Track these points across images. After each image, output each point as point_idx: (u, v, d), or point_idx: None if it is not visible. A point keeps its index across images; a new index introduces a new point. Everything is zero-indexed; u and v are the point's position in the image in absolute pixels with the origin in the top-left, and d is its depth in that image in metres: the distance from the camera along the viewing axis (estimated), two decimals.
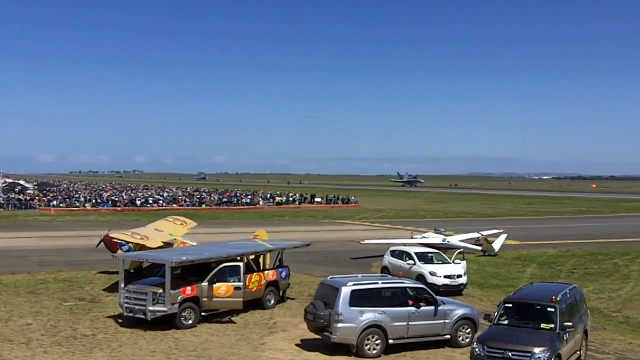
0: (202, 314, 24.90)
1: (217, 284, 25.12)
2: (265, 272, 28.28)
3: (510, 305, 19.59)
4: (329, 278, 23.00)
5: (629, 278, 37.12)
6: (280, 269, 29.12)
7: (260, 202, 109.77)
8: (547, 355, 17.31)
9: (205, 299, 24.92)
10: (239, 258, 26.67)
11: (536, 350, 17.39)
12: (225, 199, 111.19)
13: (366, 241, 45.35)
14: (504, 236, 48.92)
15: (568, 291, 20.35)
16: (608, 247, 51.33)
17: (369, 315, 20.77)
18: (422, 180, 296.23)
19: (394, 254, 35.42)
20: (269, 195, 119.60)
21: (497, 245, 46.56)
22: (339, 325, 20.48)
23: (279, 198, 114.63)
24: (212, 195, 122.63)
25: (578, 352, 19.94)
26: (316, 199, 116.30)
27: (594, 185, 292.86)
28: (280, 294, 29.10)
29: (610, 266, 41.62)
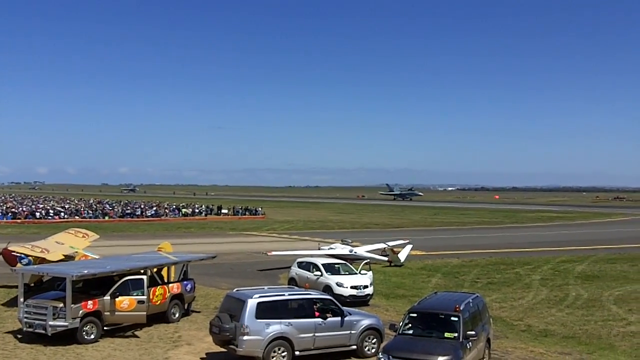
0: (105, 328, 24.30)
1: (120, 298, 24.58)
2: (170, 285, 27.78)
3: (415, 315, 19.82)
4: (235, 290, 22.76)
5: (530, 287, 38.28)
6: (185, 282, 28.62)
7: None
8: None
9: (108, 313, 24.31)
10: (142, 271, 26.16)
11: (440, 359, 17.62)
12: (129, 211, 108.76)
13: (273, 253, 45.13)
14: (409, 247, 49.67)
15: (471, 300, 20.76)
16: (510, 257, 52.89)
17: (275, 327, 20.63)
18: (420, 193, 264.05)
19: (301, 265, 35.39)
20: (174, 207, 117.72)
21: (403, 255, 47.21)
22: (245, 337, 20.25)
23: (185, 210, 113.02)
24: (115, 207, 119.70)
25: None
26: (223, 211, 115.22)
27: (497, 197, 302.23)
28: (185, 307, 28.59)
29: (512, 276, 42.85)
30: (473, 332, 19.04)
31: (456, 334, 18.68)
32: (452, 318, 19.09)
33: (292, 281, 34.49)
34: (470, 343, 18.83)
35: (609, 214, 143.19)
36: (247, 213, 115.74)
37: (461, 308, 19.36)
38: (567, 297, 34.89)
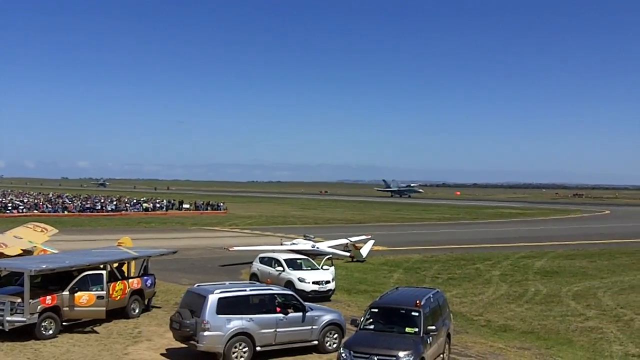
0: (64, 324, 23.92)
1: (79, 293, 24.21)
2: (130, 280, 27.48)
3: (376, 310, 19.86)
4: (195, 286, 22.63)
5: (490, 283, 38.67)
6: (145, 277, 28.35)
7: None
8: (411, 359, 17.63)
9: (67, 309, 23.95)
10: (102, 266, 25.81)
11: (401, 354, 17.67)
12: (89, 205, 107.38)
13: (235, 248, 45.02)
14: (371, 242, 49.87)
15: (432, 296, 20.88)
16: (471, 253, 53.44)
17: (237, 322, 20.53)
18: (420, 190, 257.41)
19: (263, 260, 35.28)
20: (135, 201, 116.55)
21: (365, 251, 47.35)
22: (206, 333, 20.11)
23: (146, 204, 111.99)
24: (74, 201, 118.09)
25: (441, 355, 20.42)
26: (184, 206, 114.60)
27: (458, 193, 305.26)
28: (146, 302, 28.29)
29: (472, 271, 43.25)
30: (434, 327, 19.15)
31: (417, 329, 18.76)
32: (413, 313, 19.17)
33: (254, 276, 34.35)
34: (430, 338, 18.93)
35: (568, 211, 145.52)
36: (209, 208, 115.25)
37: (422, 303, 19.45)
38: (526, 293, 35.31)
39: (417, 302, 19.44)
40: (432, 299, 20.58)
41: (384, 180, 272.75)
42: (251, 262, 36.70)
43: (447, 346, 21.18)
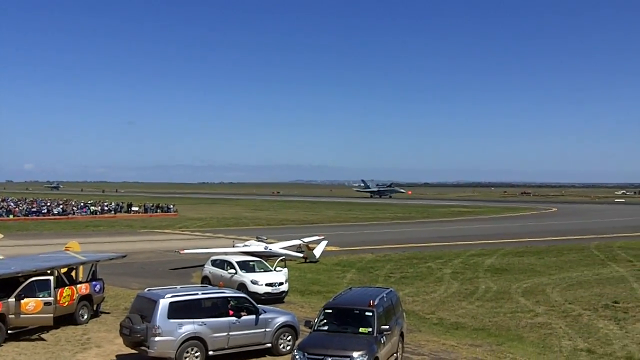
0: (9, 332, 23.31)
1: (25, 300, 23.63)
2: (78, 285, 26.93)
3: (330, 311, 19.79)
4: (146, 290, 22.26)
5: (442, 281, 38.96)
6: (94, 282, 27.82)
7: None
8: (365, 359, 17.59)
9: (13, 316, 23.33)
10: (49, 272, 25.24)
11: (355, 354, 17.62)
12: (34, 209, 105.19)
13: (186, 251, 44.53)
14: (324, 243, 49.90)
15: (385, 295, 20.90)
16: (422, 252, 53.83)
17: (188, 327, 20.27)
18: (402, 190, 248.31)
19: (215, 263, 34.95)
20: (82, 204, 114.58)
21: (318, 251, 47.36)
22: (157, 339, 19.80)
23: (94, 207, 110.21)
24: (20, 204, 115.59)
25: (395, 355, 20.45)
26: (133, 208, 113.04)
27: (409, 192, 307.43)
28: (94, 308, 27.80)
29: (424, 270, 43.53)
30: (387, 327, 19.17)
31: (371, 329, 18.74)
32: (367, 313, 19.15)
33: (206, 280, 34.04)
34: (384, 337, 18.93)
35: (516, 209, 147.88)
36: (158, 210, 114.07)
37: (375, 303, 19.44)
38: (477, 290, 35.65)
39: (371, 302, 19.42)
40: (385, 299, 20.59)
41: (362, 181, 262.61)
42: (203, 265, 36.35)
43: (400, 345, 21.21)
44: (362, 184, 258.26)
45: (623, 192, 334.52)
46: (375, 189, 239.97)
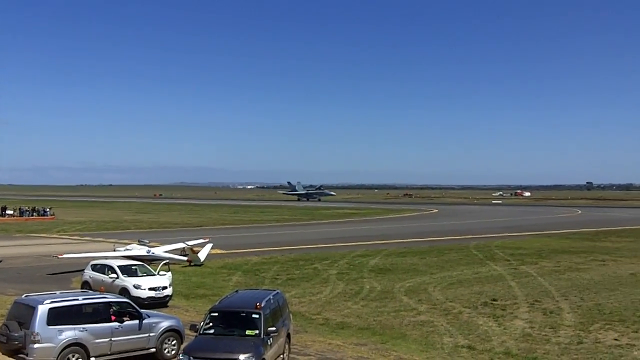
0: None
1: None
2: None
3: (216, 314, 19.58)
4: (23, 296, 21.42)
5: (328, 282, 39.31)
6: None
7: None
8: None
9: None
10: None
11: (241, 357, 17.53)
12: None
13: (64, 255, 43.05)
14: (209, 246, 49.41)
15: (272, 297, 20.90)
16: (309, 253, 54.22)
17: (69, 333, 19.65)
18: (332, 193, 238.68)
19: (95, 268, 34.02)
20: None
21: (202, 255, 46.79)
22: (36, 346, 19.13)
23: None
24: None
25: (282, 356, 20.46)
26: (8, 212, 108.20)
27: None
28: None
29: (310, 271, 43.82)
30: (274, 328, 19.15)
31: (257, 331, 18.68)
32: (254, 315, 19.08)
33: (86, 285, 33.07)
34: (271, 339, 18.92)
35: (399, 210, 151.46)
36: (34, 214, 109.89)
37: (262, 305, 19.40)
38: (362, 290, 36.19)
39: (257, 304, 19.35)
40: (272, 301, 20.59)
41: (288, 183, 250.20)
42: (82, 270, 35.24)
43: (287, 346, 21.25)
44: (288, 186, 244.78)
45: (500, 194, 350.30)
46: (303, 192, 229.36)
